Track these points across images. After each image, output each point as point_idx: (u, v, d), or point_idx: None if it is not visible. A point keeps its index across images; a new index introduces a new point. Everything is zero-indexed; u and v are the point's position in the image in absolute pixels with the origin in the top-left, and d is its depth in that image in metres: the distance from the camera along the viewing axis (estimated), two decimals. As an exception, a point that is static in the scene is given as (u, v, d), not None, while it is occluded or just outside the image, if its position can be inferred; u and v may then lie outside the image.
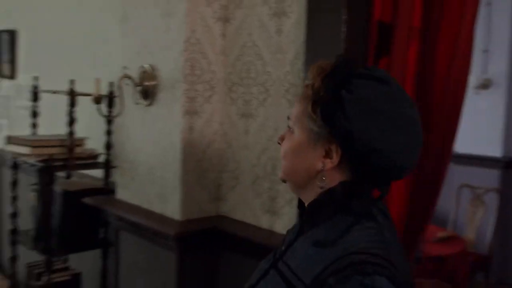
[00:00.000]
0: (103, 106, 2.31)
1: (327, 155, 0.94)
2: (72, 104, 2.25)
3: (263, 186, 1.88)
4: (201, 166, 2.00)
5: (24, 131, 2.76)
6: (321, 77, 0.94)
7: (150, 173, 2.10)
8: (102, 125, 2.42)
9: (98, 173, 2.57)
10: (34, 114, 2.57)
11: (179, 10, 1.95)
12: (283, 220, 1.81)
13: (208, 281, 2.04)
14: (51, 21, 3.15)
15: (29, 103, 2.62)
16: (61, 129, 2.45)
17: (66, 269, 2.59)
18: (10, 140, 2.40)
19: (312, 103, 0.94)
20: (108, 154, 2.41)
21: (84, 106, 2.36)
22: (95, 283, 2.52)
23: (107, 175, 2.43)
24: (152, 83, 2.02)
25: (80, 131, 2.38)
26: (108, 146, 2.40)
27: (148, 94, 2.04)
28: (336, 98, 0.90)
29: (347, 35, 1.55)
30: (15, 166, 2.52)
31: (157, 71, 2.03)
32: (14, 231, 2.58)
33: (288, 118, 1.02)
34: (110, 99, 2.32)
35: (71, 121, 2.26)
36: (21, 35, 3.50)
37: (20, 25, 3.50)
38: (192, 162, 1.97)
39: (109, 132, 2.39)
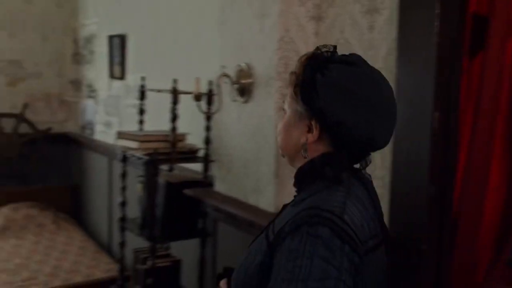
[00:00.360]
0: (203, 104, 2.45)
1: (309, 130, 1.09)
2: (175, 102, 2.42)
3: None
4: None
5: (132, 127, 2.99)
6: (303, 64, 1.10)
7: (246, 167, 2.20)
8: (201, 121, 2.57)
9: (197, 166, 2.73)
10: (141, 112, 2.78)
11: (273, 11, 2.03)
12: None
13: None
14: (156, 26, 3.38)
15: (137, 102, 2.84)
16: (165, 125, 2.63)
17: (168, 255, 2.78)
18: (120, 135, 2.62)
19: (294, 86, 1.11)
20: (207, 149, 2.55)
21: (186, 104, 2.53)
22: (194, 271, 2.68)
23: (206, 168, 2.58)
24: (248, 81, 2.13)
25: (181, 127, 2.54)
26: (207, 141, 2.54)
27: (244, 91, 2.14)
28: (311, 81, 1.06)
29: (440, 29, 1.54)
30: (124, 159, 2.74)
31: (252, 69, 2.13)
32: (122, 219, 2.81)
33: (283, 102, 1.19)
34: (209, 96, 2.46)
35: (174, 118, 2.42)
36: (130, 39, 3.78)
37: (129, 30, 3.79)
38: (286, 157, 2.04)
39: (208, 128, 2.53)
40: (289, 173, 2.06)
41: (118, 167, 3.47)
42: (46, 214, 4.66)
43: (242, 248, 2.22)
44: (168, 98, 2.50)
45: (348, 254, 0.96)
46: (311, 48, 2.05)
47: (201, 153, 2.60)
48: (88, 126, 4.69)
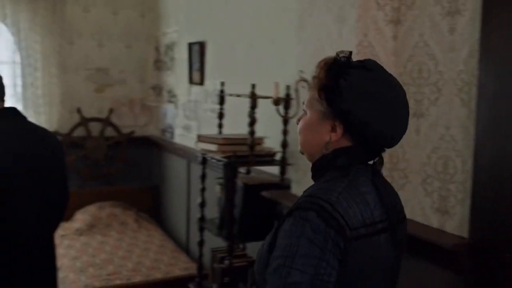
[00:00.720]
0: (280, 108, 2.51)
1: (333, 129, 1.20)
2: (253, 106, 2.49)
3: (433, 185, 1.88)
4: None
5: (210, 130, 3.10)
6: (325, 69, 1.20)
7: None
8: (278, 125, 2.63)
9: (274, 169, 2.79)
10: (220, 116, 2.89)
11: (351, 15, 2.05)
12: (454, 220, 1.80)
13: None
14: (234, 33, 3.49)
15: (215, 106, 2.95)
16: (242, 129, 2.71)
17: (244, 255, 2.85)
18: (200, 138, 2.74)
19: (318, 90, 1.21)
20: (284, 152, 2.61)
21: (263, 108, 2.60)
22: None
23: (283, 171, 2.63)
24: (325, 85, 2.15)
25: (259, 130, 2.61)
26: (284, 144, 2.59)
27: (321, 95, 2.17)
28: (335, 85, 1.17)
29: (526, 30, 1.50)
30: (204, 161, 2.86)
31: (330, 74, 2.15)
32: (201, 219, 2.92)
33: (303, 103, 1.30)
34: (287, 101, 2.51)
35: (252, 122, 2.50)
36: (209, 46, 3.92)
37: (208, 37, 3.93)
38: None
39: (285, 132, 2.58)
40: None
41: (196, 169, 3.61)
42: (129, 213, 4.92)
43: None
44: (245, 102, 2.58)
45: (333, 238, 1.08)
46: (389, 52, 2.07)
47: (278, 156, 2.66)
48: (168, 129, 4.90)
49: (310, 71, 2.23)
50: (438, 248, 1.77)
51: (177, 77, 4.62)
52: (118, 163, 5.20)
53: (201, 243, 2.98)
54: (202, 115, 4.02)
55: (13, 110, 2.25)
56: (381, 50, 2.06)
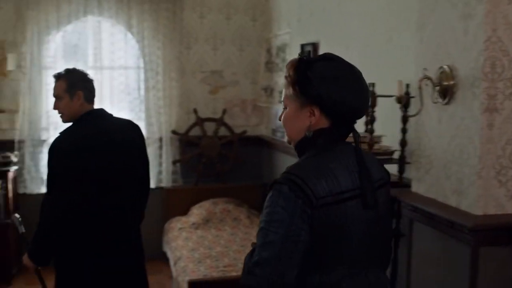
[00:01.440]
0: (400, 106, 2.52)
1: (311, 114, 1.47)
2: (373, 104, 2.52)
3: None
4: (501, 163, 2.03)
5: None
6: (293, 68, 1.49)
7: (446, 168, 2.21)
8: (396, 124, 2.63)
9: (390, 168, 2.79)
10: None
11: (478, 11, 2.02)
12: None
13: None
14: (348, 32, 3.53)
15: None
16: (359, 128, 2.74)
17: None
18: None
19: (292, 85, 1.49)
20: (402, 151, 2.61)
21: (379, 107, 2.62)
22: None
23: (402, 170, 2.63)
24: (451, 82, 2.14)
25: (376, 129, 2.64)
26: (403, 143, 2.59)
27: (446, 93, 2.16)
28: (305, 77, 1.45)
29: None
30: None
31: (455, 71, 2.13)
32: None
33: (281, 101, 1.56)
34: (407, 99, 2.51)
35: (372, 120, 2.53)
36: (322, 47, 3.99)
37: (321, 38, 4.00)
38: (490, 159, 2.02)
39: (404, 130, 2.58)
40: (495, 175, 2.02)
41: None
42: (241, 209, 5.12)
43: (439, 248, 2.24)
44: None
45: (301, 206, 1.37)
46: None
47: (396, 155, 2.66)
48: (279, 129, 5.03)
49: (434, 69, 2.24)
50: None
51: (288, 78, 4.73)
52: (230, 161, 5.44)
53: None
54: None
55: (101, 110, 2.77)
56: (511, 46, 2.00)
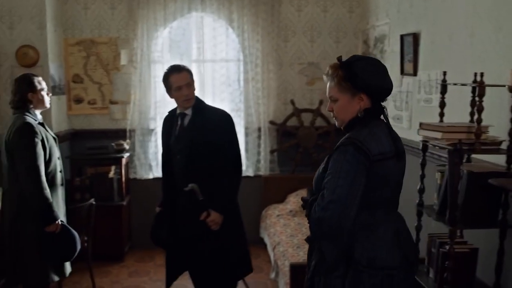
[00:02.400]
0: (508, 96, 2.49)
1: (360, 100, 2.03)
2: (481, 94, 2.51)
3: None
4: None
5: (422, 121, 3.14)
6: (339, 69, 2.02)
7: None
8: (504, 114, 2.60)
9: (496, 159, 2.76)
10: (442, 105, 2.94)
11: None
12: None
13: None
14: (451, 21, 3.48)
15: (429, 96, 2.99)
16: (459, 118, 2.72)
17: (464, 242, 2.88)
18: (423, 126, 2.84)
19: (342, 80, 2.00)
20: (511, 141, 2.57)
21: (486, 97, 2.60)
22: (489, 262, 2.73)
23: (510, 160, 2.60)
24: None
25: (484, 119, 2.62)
26: (512, 133, 2.56)
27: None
28: (351, 73, 1.98)
29: None
30: (425, 149, 2.96)
31: None
32: (420, 204, 3.03)
33: (330, 97, 2.08)
34: (517, 89, 2.47)
35: (479, 110, 2.52)
36: (423, 37, 3.96)
37: (422, 28, 3.97)
38: None
39: (513, 120, 2.54)
40: None
41: (411, 158, 3.68)
42: (336, 198, 5.20)
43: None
44: (463, 91, 2.59)
45: (362, 161, 1.92)
46: None
47: (504, 145, 2.63)
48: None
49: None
50: None
51: (388, 68, 4.72)
52: (326, 151, 5.54)
53: (418, 228, 3.09)
54: (415, 105, 4.08)
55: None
56: None
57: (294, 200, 5.21)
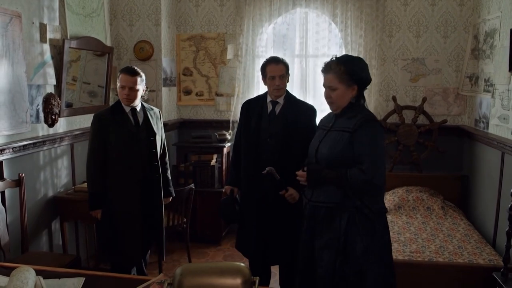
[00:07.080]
0: None
1: (353, 90, 2.65)
2: None
3: None
4: None
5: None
6: (340, 64, 2.63)
7: None
8: None
9: None
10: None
11: None
12: None
13: None
14: None
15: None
16: None
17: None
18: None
19: (344, 74, 2.61)
20: None
21: None
22: None
23: None
24: None
25: None
26: None
27: None
28: (351, 70, 2.62)
29: None
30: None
31: None
32: None
33: (330, 87, 2.66)
34: None
35: None
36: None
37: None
38: None
39: None
40: None
41: (511, 161, 3.47)
42: (435, 199, 5.02)
43: None
44: None
45: (383, 134, 2.66)
46: None
47: None
48: (483, 119, 4.78)
49: None
50: None
51: (496, 65, 4.46)
52: (428, 150, 5.36)
53: (510, 234, 2.93)
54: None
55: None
56: None
57: (390, 198, 5.12)
